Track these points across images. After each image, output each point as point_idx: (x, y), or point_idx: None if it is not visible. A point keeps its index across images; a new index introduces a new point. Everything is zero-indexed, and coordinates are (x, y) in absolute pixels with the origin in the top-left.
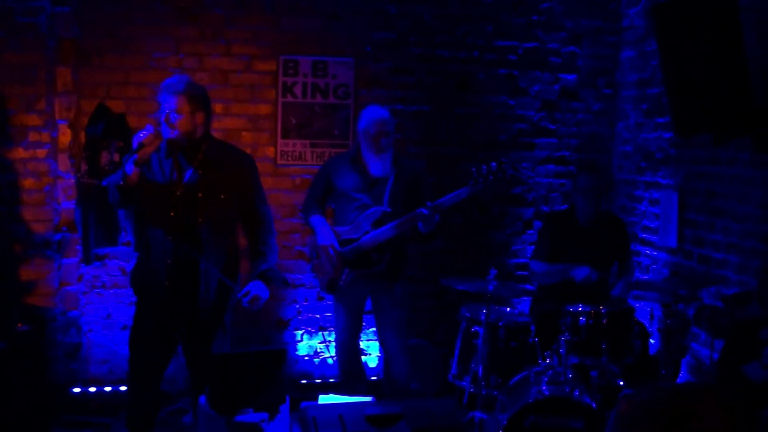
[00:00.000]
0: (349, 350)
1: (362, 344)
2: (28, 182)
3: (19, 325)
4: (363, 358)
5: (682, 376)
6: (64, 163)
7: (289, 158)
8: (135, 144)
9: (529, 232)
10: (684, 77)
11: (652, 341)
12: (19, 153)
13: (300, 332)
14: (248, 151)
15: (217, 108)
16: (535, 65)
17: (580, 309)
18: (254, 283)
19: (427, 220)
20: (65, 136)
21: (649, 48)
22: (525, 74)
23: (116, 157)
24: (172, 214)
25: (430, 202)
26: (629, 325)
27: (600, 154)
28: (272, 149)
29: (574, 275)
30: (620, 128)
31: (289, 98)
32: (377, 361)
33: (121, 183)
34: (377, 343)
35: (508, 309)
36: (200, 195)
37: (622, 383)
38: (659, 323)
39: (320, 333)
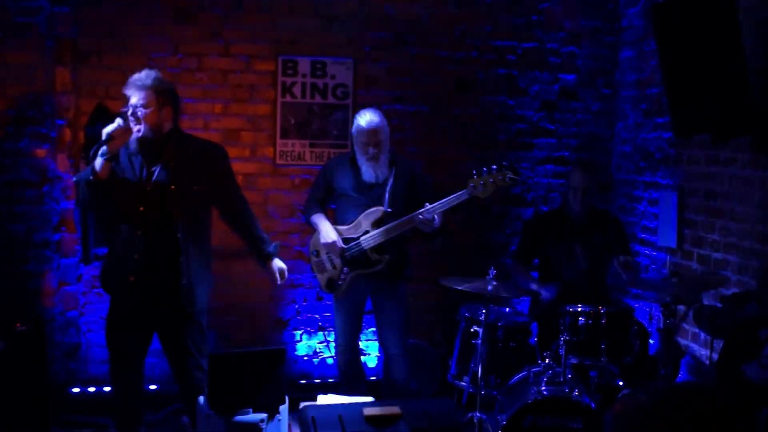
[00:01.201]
0: (349, 350)
1: (361, 344)
2: (27, 182)
3: (18, 324)
4: (362, 358)
5: (682, 376)
6: (63, 163)
7: (288, 158)
8: (104, 135)
9: None
10: (683, 77)
11: (651, 341)
12: (19, 153)
13: (299, 332)
14: (247, 151)
15: (216, 108)
16: (534, 65)
17: (579, 309)
18: (275, 261)
19: (424, 223)
20: (64, 136)
21: (648, 48)
22: (524, 74)
23: None
24: (141, 209)
25: (429, 204)
26: (628, 325)
27: (599, 154)
28: (271, 149)
29: (540, 292)
30: (619, 128)
31: (288, 98)
32: (376, 361)
33: (91, 178)
34: (376, 343)
35: (508, 309)
36: (172, 188)
37: (621, 383)
38: (658, 323)
39: (319, 333)
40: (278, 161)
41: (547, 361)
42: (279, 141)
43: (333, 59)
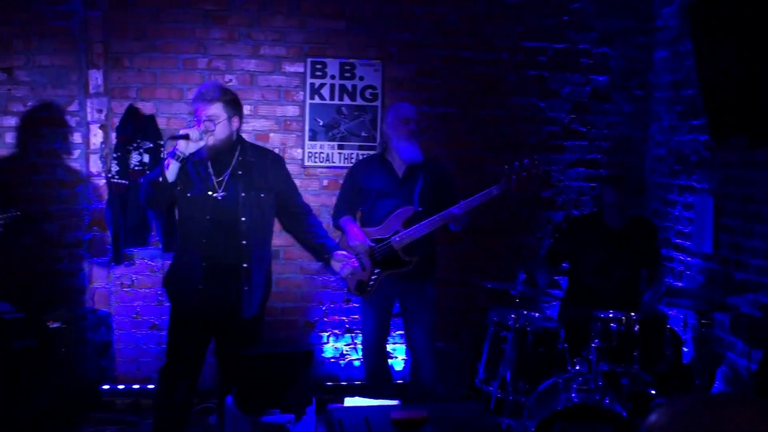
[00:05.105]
0: (376, 353)
1: (388, 347)
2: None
3: (51, 322)
4: (389, 361)
5: (717, 386)
6: (95, 163)
7: (317, 160)
8: (180, 132)
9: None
10: (719, 78)
11: (685, 349)
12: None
13: (326, 334)
14: (276, 152)
15: (245, 110)
16: (565, 66)
17: (611, 315)
18: (339, 253)
19: (458, 220)
20: (96, 137)
21: (683, 48)
22: (555, 76)
23: (146, 158)
24: (208, 217)
25: (463, 201)
26: (662, 332)
27: (632, 157)
28: (300, 151)
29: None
30: (653, 131)
31: (317, 100)
32: (403, 365)
33: (159, 180)
34: (403, 347)
35: (537, 314)
36: (243, 194)
37: (653, 392)
38: (693, 331)
39: (347, 335)
40: (307, 162)
41: (577, 367)
42: (307, 142)
43: (361, 61)
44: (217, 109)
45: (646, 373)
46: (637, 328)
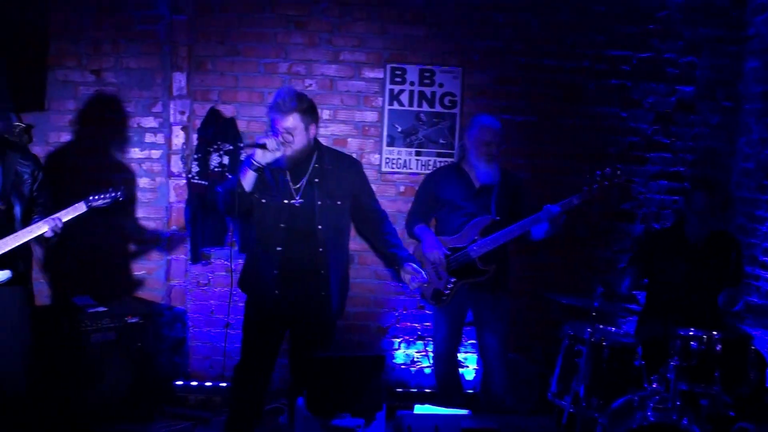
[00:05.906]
0: (448, 361)
1: (460, 356)
2: (142, 181)
3: (129, 317)
4: (460, 370)
5: None
6: (176, 164)
7: (394, 165)
8: (258, 140)
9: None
10: None
11: None
12: (136, 153)
13: (398, 340)
14: (352, 156)
15: (324, 114)
16: (649, 76)
17: (691, 333)
18: (410, 265)
19: (554, 222)
20: (178, 138)
21: None
22: (638, 85)
23: (226, 160)
24: (282, 225)
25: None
26: (746, 353)
27: (717, 170)
28: (377, 156)
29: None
30: (741, 143)
31: (396, 106)
32: (474, 374)
33: (237, 189)
34: (475, 356)
35: (614, 329)
36: (319, 203)
37: (734, 415)
38: None
39: (418, 342)
40: (384, 168)
41: (654, 385)
42: (385, 148)
43: (441, 68)
44: (294, 121)
45: (727, 395)
46: (719, 347)
